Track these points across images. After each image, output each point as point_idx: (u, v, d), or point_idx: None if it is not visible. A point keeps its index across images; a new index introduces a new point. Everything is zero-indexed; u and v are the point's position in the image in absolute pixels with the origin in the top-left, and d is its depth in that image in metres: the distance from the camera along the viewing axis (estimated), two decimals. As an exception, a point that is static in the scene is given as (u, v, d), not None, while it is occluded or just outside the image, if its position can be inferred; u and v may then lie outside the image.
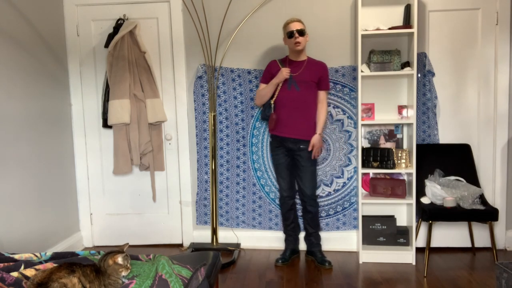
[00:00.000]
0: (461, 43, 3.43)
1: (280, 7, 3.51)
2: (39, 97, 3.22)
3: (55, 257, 1.98)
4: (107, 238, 3.82)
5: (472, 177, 3.33)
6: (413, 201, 3.22)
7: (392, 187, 3.31)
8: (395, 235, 3.35)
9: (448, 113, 3.48)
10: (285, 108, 3.15)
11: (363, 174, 3.47)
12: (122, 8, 3.60)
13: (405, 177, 3.42)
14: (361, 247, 3.31)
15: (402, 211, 3.53)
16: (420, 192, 3.32)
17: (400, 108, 3.46)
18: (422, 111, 3.46)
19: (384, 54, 3.28)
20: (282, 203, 3.36)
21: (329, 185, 3.57)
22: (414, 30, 3.14)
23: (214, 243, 3.61)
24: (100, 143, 3.74)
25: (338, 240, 3.57)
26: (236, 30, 3.54)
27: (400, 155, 3.33)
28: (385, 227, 3.35)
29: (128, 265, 1.73)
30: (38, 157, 3.19)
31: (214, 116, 3.53)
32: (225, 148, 3.64)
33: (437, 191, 3.15)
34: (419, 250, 3.43)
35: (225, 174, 3.67)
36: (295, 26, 3.06)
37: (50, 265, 1.85)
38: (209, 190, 3.68)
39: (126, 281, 1.71)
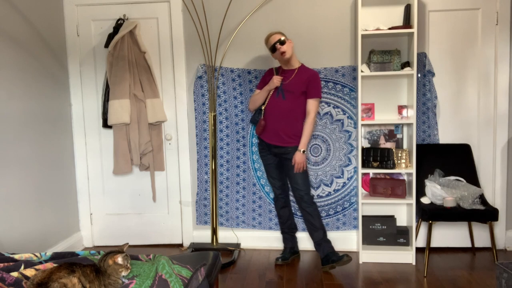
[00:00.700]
0: (461, 43, 3.43)
1: (280, 7, 3.51)
2: (39, 97, 3.23)
3: (55, 257, 1.98)
4: (107, 238, 3.82)
5: (472, 177, 3.33)
6: (413, 201, 3.22)
7: (392, 187, 3.31)
8: (395, 235, 3.35)
9: (448, 113, 3.48)
10: (272, 116, 3.15)
11: (363, 174, 3.47)
12: (122, 8, 3.60)
13: (405, 177, 3.42)
14: (361, 247, 3.31)
15: (402, 211, 3.53)
16: (420, 192, 3.32)
17: (400, 108, 3.46)
18: (422, 111, 3.46)
19: (384, 54, 3.28)
20: (276, 200, 3.37)
21: (329, 185, 3.57)
22: (414, 30, 3.14)
23: (214, 243, 3.61)
24: (100, 143, 3.74)
25: (338, 240, 3.57)
26: (236, 30, 3.54)
27: (400, 155, 3.33)
28: (385, 227, 3.35)
29: (128, 265, 1.73)
30: (38, 157, 3.19)
31: (214, 116, 3.53)
32: (225, 148, 3.64)
33: (437, 191, 3.15)
34: (419, 250, 3.43)
35: (225, 174, 3.67)
36: (274, 39, 3.05)
37: (50, 265, 1.85)
38: (209, 190, 3.68)
39: (126, 281, 1.71)
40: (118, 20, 3.54)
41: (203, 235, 3.73)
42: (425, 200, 3.22)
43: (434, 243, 3.54)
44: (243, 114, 3.60)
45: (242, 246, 3.68)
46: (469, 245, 3.51)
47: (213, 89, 3.51)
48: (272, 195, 3.62)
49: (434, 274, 3.05)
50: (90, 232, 3.81)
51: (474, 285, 2.84)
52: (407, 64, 3.27)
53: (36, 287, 1.55)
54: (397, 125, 3.47)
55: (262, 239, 3.68)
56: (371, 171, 3.31)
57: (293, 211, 3.53)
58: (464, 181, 3.26)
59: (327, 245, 3.16)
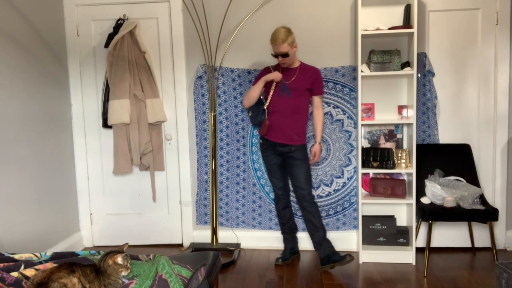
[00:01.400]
0: (461, 43, 3.43)
1: (280, 7, 3.51)
2: (39, 97, 3.23)
3: (55, 257, 1.98)
4: (107, 238, 3.82)
5: (472, 177, 3.33)
6: (413, 201, 3.22)
7: (392, 187, 3.31)
8: (395, 235, 3.35)
9: (448, 113, 3.48)
10: (277, 114, 3.15)
11: (363, 174, 3.47)
12: (122, 8, 3.60)
13: (405, 177, 3.42)
14: (361, 247, 3.31)
15: (402, 211, 3.53)
16: (420, 192, 3.32)
17: (400, 108, 3.46)
18: (422, 111, 3.46)
19: (384, 54, 3.28)
20: (277, 201, 3.36)
21: (329, 185, 3.57)
22: (414, 30, 3.14)
23: (214, 243, 3.61)
24: (100, 143, 3.74)
25: (338, 240, 3.57)
26: (236, 30, 3.54)
27: (400, 155, 3.33)
28: (385, 227, 3.35)
29: (128, 265, 1.73)
30: (38, 157, 3.19)
31: (214, 116, 3.53)
32: (225, 148, 3.64)
33: (437, 191, 3.15)
34: (419, 250, 3.43)
35: (225, 174, 3.67)
36: (279, 50, 3.00)
37: (50, 265, 1.85)
38: (209, 190, 3.68)
39: (126, 281, 1.71)
40: (118, 20, 3.54)
41: (203, 235, 3.73)
42: (425, 200, 3.22)
43: (434, 243, 3.54)
44: (243, 114, 3.60)
45: (242, 246, 3.68)
46: (469, 245, 3.51)
47: (213, 89, 3.51)
48: (272, 195, 3.62)
49: (434, 274, 3.05)
50: (90, 232, 3.81)
51: (474, 285, 2.84)
52: (407, 64, 3.27)
53: (36, 287, 1.55)
54: (397, 125, 3.47)
55: (262, 239, 3.68)
56: (371, 171, 3.31)
57: (293, 211, 3.53)
58: (464, 181, 3.26)
59: (328, 245, 3.17)
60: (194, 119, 3.66)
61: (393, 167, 3.27)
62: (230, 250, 3.54)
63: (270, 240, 3.67)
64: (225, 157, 3.65)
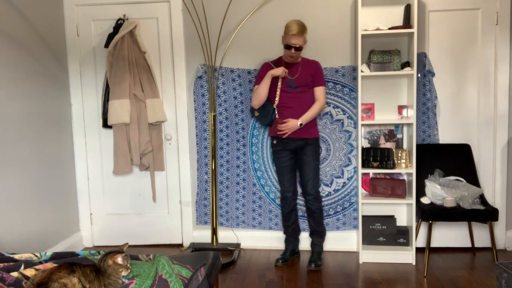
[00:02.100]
0: (461, 43, 3.43)
1: (280, 7, 3.51)
2: (39, 97, 3.23)
3: (55, 257, 1.98)
4: (107, 238, 3.82)
5: (472, 177, 3.33)
6: (413, 201, 3.22)
7: (392, 187, 3.31)
8: (395, 235, 3.35)
9: (448, 113, 3.48)
10: (288, 110, 3.15)
11: (363, 174, 3.47)
12: (122, 8, 3.60)
13: (405, 177, 3.42)
14: (361, 247, 3.31)
15: (402, 211, 3.53)
16: (420, 192, 3.32)
17: (400, 108, 3.46)
18: (422, 111, 3.46)
19: (384, 54, 3.28)
20: (284, 203, 3.34)
21: (329, 185, 3.57)
22: (414, 30, 3.14)
23: (214, 243, 3.61)
24: (100, 143, 3.74)
25: (338, 240, 3.57)
26: (236, 30, 3.54)
27: (400, 155, 3.33)
28: (385, 227, 3.35)
29: (128, 265, 1.73)
30: (38, 157, 3.19)
31: (214, 116, 3.53)
32: (225, 148, 3.64)
33: (437, 191, 3.15)
34: (419, 250, 3.43)
35: (225, 174, 3.67)
36: (295, 42, 2.99)
37: (50, 265, 1.85)
38: (209, 190, 3.68)
39: (126, 281, 1.71)
40: (118, 20, 3.54)
41: (203, 235, 3.73)
42: (425, 200, 3.22)
43: (434, 243, 3.54)
44: (243, 114, 3.60)
45: (242, 246, 3.68)
46: (469, 245, 3.51)
47: (213, 89, 3.51)
48: (272, 195, 3.62)
49: (434, 274, 3.05)
50: (90, 232, 3.81)
51: (474, 285, 2.84)
52: (407, 64, 3.27)
53: (36, 287, 1.55)
54: (397, 125, 3.47)
55: (262, 239, 3.68)
56: (371, 171, 3.31)
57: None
58: (464, 181, 3.26)
59: (321, 246, 3.33)
60: (194, 119, 3.66)
61: (393, 167, 3.27)
62: (230, 250, 3.54)
63: (270, 240, 3.67)
64: (225, 157, 3.65)
